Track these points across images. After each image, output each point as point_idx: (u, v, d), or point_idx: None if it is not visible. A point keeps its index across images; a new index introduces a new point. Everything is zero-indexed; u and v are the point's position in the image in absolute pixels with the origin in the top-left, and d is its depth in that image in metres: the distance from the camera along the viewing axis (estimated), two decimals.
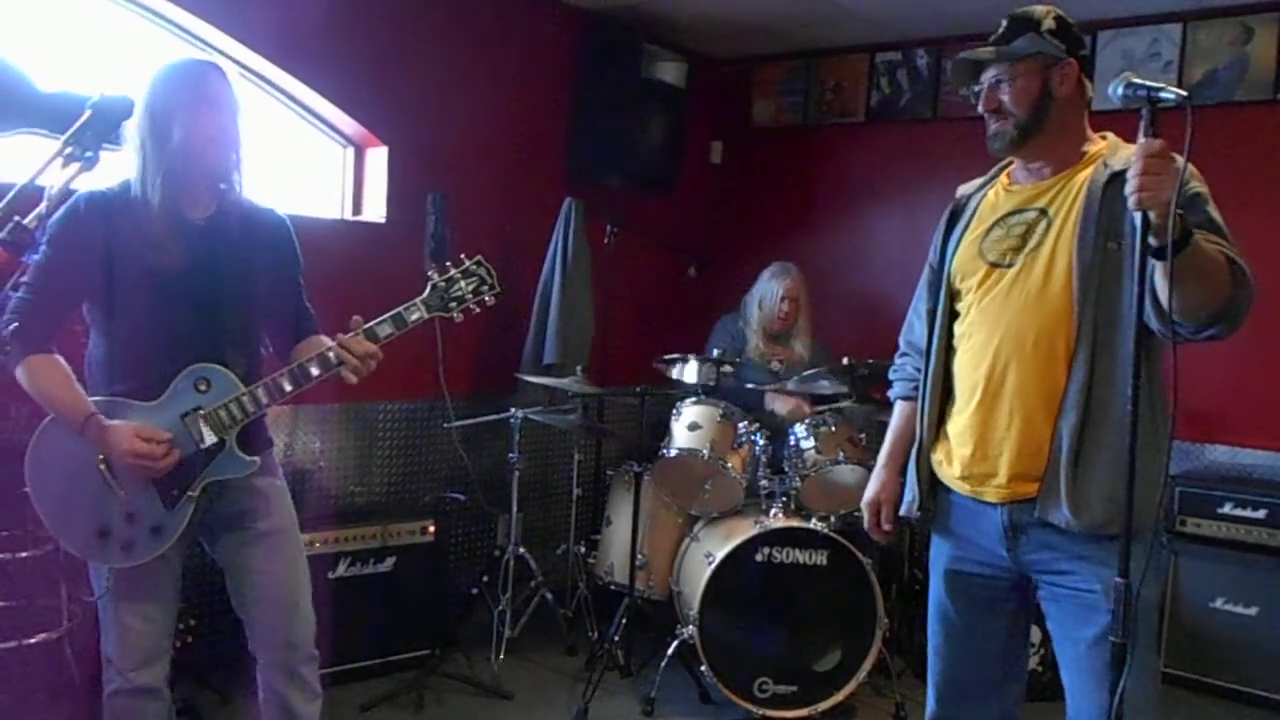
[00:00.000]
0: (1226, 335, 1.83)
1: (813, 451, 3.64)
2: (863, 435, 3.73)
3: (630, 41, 4.64)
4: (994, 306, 2.03)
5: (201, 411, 2.19)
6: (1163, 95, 1.63)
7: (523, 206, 4.44)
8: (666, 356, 3.78)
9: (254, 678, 2.37)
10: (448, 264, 2.36)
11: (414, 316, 2.31)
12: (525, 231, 4.39)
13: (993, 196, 2.15)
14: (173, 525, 2.20)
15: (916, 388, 2.25)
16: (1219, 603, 3.76)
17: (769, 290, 4.16)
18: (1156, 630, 2.02)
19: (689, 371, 3.74)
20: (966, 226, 2.15)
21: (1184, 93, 1.63)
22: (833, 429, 3.66)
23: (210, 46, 3.56)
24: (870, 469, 3.58)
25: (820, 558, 3.43)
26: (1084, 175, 2.00)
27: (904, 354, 2.36)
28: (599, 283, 4.40)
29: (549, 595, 3.92)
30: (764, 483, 3.67)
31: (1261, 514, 3.76)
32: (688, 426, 3.67)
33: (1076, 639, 1.96)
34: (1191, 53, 4.18)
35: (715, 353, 3.74)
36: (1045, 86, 2.00)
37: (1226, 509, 3.80)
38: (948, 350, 2.13)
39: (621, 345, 4.57)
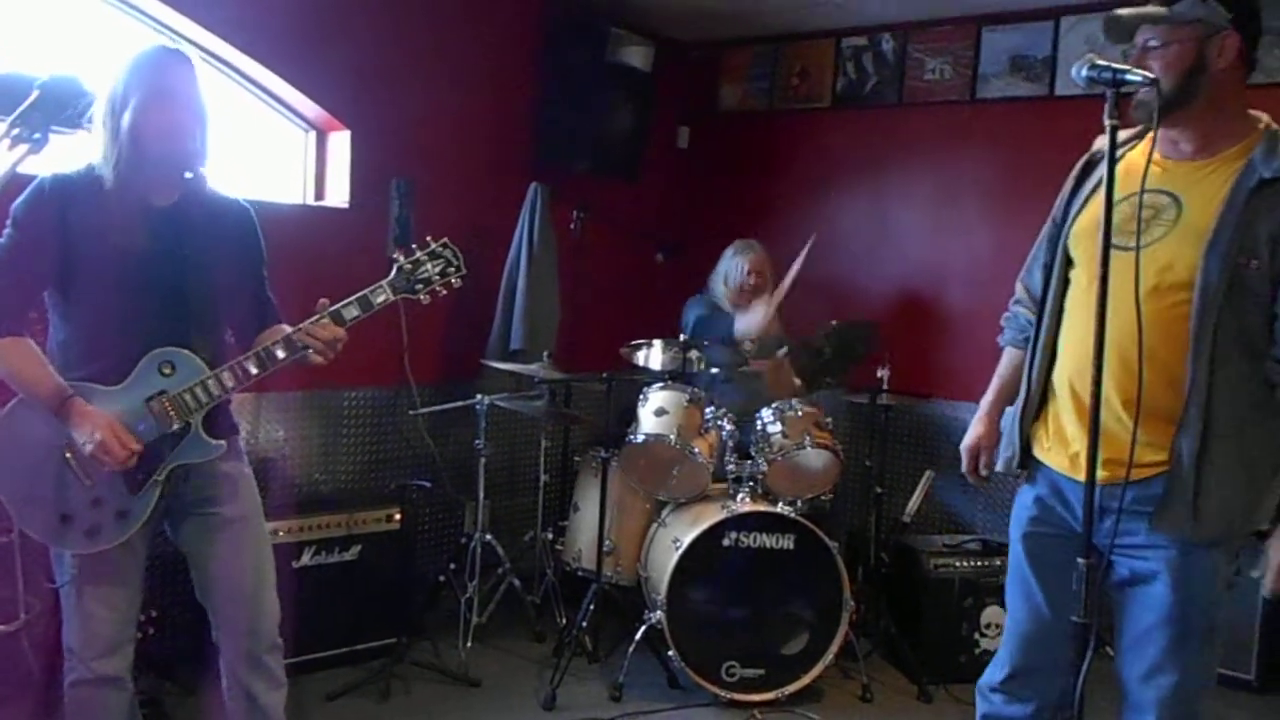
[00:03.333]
0: None
1: (779, 436, 3.65)
2: (830, 420, 3.74)
3: (597, 25, 4.60)
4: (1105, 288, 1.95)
5: (166, 395, 2.16)
6: (1127, 79, 1.64)
7: (488, 192, 4.40)
8: (632, 342, 3.77)
9: (219, 669, 2.35)
10: (413, 246, 2.35)
11: (380, 299, 2.29)
12: (491, 217, 4.36)
13: (1131, 161, 2.00)
14: (138, 510, 2.18)
15: (1027, 339, 2.20)
16: None
17: (733, 265, 4.19)
18: (1211, 628, 1.98)
19: (654, 356, 3.73)
20: (1094, 189, 2.04)
21: (1150, 75, 1.64)
22: (799, 414, 3.67)
23: (170, 30, 3.49)
24: (836, 454, 3.66)
25: (787, 541, 3.45)
26: (1232, 169, 1.87)
27: (1018, 300, 2.31)
28: (565, 268, 4.38)
29: (516, 582, 3.91)
30: (731, 467, 3.68)
31: None
32: (654, 412, 3.66)
33: (1137, 620, 1.97)
34: None
35: (683, 336, 3.72)
36: (1201, 57, 1.86)
37: None
38: (1058, 315, 2.08)
39: (589, 331, 4.55)
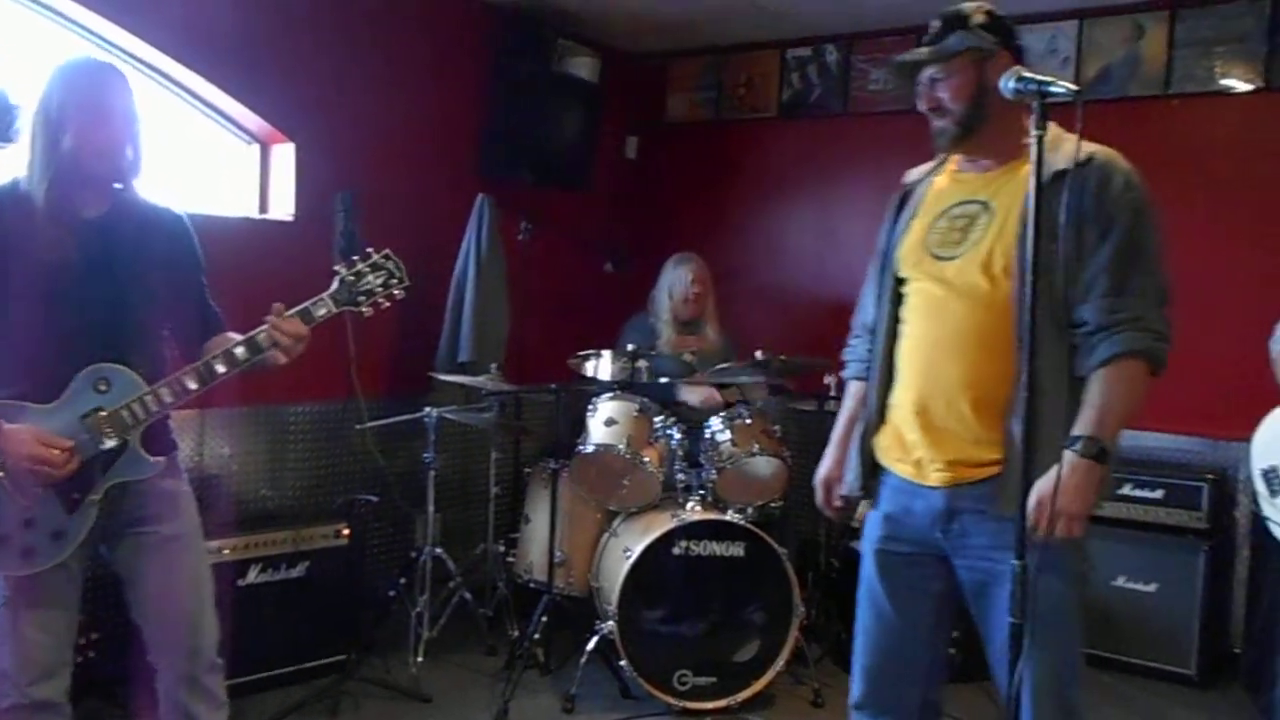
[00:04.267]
0: None
1: (728, 444, 3.67)
2: (778, 427, 3.77)
3: (543, 36, 4.62)
4: (936, 299, 2.07)
5: (102, 412, 2.12)
6: (1052, 90, 1.68)
7: (435, 203, 4.38)
8: (581, 353, 3.77)
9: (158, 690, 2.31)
10: (354, 258, 2.33)
11: (321, 312, 2.27)
12: (438, 229, 4.34)
13: (939, 183, 2.19)
14: (74, 530, 2.13)
15: (868, 368, 2.27)
16: (1121, 581, 3.90)
17: (676, 277, 4.20)
18: (1078, 604, 2.07)
19: (604, 367, 3.74)
20: (914, 214, 2.18)
21: (1073, 87, 1.68)
22: (748, 421, 3.70)
23: (108, 43, 3.44)
24: (785, 461, 3.68)
25: (737, 549, 3.46)
26: (1027, 169, 1.94)
27: (857, 335, 2.38)
28: (514, 280, 4.37)
29: (468, 595, 3.88)
30: (680, 476, 3.69)
31: (1159, 494, 3.91)
32: (604, 422, 3.67)
33: (999, 625, 1.95)
34: (1087, 49, 4.32)
35: (629, 346, 3.73)
36: (981, 80, 2.02)
37: (1126, 490, 3.94)
38: (893, 336, 2.17)
39: (538, 342, 4.54)
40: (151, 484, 2.22)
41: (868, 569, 2.22)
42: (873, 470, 2.20)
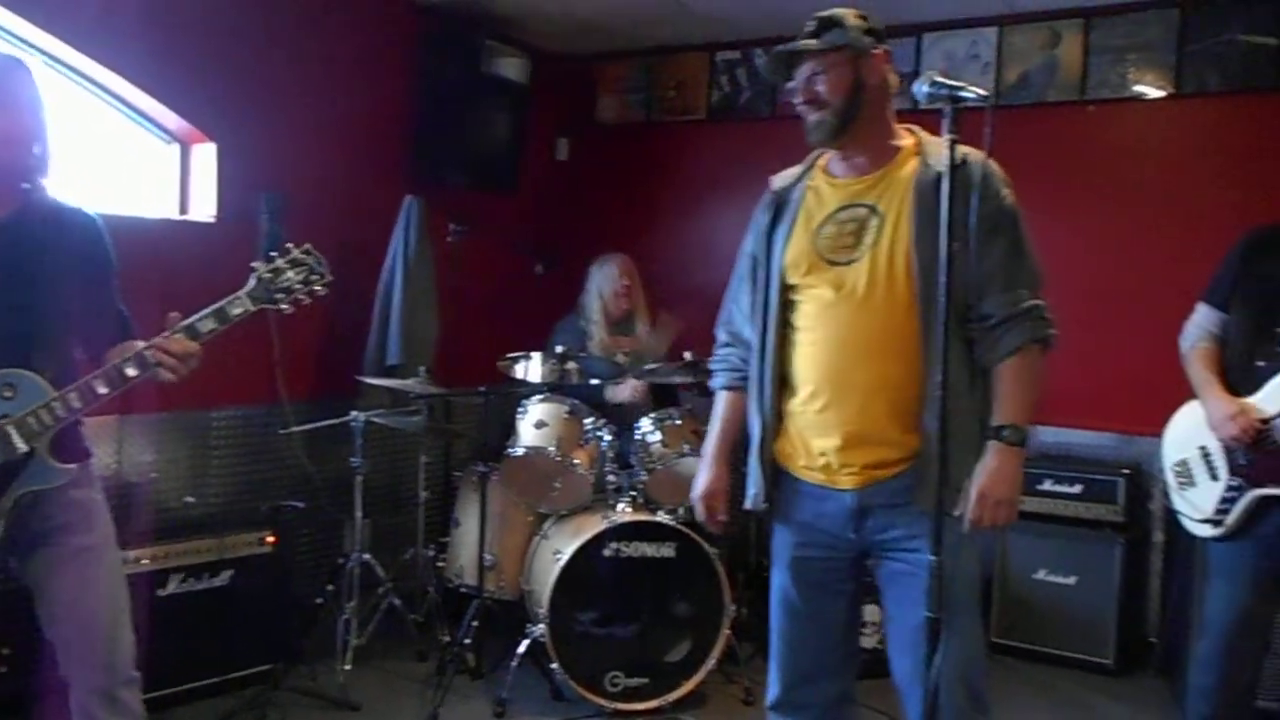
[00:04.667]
0: None
1: (659, 445, 3.68)
2: (707, 427, 3.78)
3: (471, 38, 4.58)
4: (836, 303, 2.08)
5: (8, 419, 2.05)
6: (963, 95, 1.72)
7: (362, 205, 4.32)
8: (510, 355, 3.75)
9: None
10: (272, 254, 2.28)
11: (237, 310, 2.22)
12: (366, 230, 4.28)
13: (815, 189, 2.20)
14: None
15: (743, 378, 2.29)
16: (1041, 574, 4.00)
17: (604, 275, 4.20)
18: (981, 599, 2.14)
19: (533, 369, 3.72)
20: (794, 220, 2.18)
21: (983, 92, 1.72)
22: (678, 422, 3.71)
23: (19, 39, 3.33)
24: None
25: (668, 550, 3.48)
26: (907, 171, 2.08)
27: (727, 344, 2.38)
28: (443, 282, 4.33)
29: (397, 601, 3.83)
30: (611, 478, 3.69)
31: (1078, 489, 4.02)
32: (534, 425, 3.66)
33: (914, 616, 1.99)
34: (1007, 55, 4.42)
35: (559, 348, 3.73)
36: (857, 76, 2.08)
37: (1047, 485, 4.04)
38: (783, 343, 2.16)
39: (468, 345, 4.51)
40: (62, 493, 2.16)
41: (781, 576, 2.24)
42: (774, 480, 2.21)
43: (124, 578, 2.28)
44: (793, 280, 2.16)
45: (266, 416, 4.00)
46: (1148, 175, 4.21)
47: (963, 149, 1.99)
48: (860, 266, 2.06)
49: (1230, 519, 2.81)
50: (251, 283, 2.24)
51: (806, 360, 2.13)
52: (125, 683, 2.23)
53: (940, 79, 1.78)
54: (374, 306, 4.21)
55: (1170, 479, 3.05)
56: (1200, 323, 2.99)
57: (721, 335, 2.41)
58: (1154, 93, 4.17)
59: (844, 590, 2.20)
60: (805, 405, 2.12)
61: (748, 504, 2.27)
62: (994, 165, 2.07)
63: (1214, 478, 2.88)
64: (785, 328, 2.17)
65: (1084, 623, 3.92)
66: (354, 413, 3.67)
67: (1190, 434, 2.97)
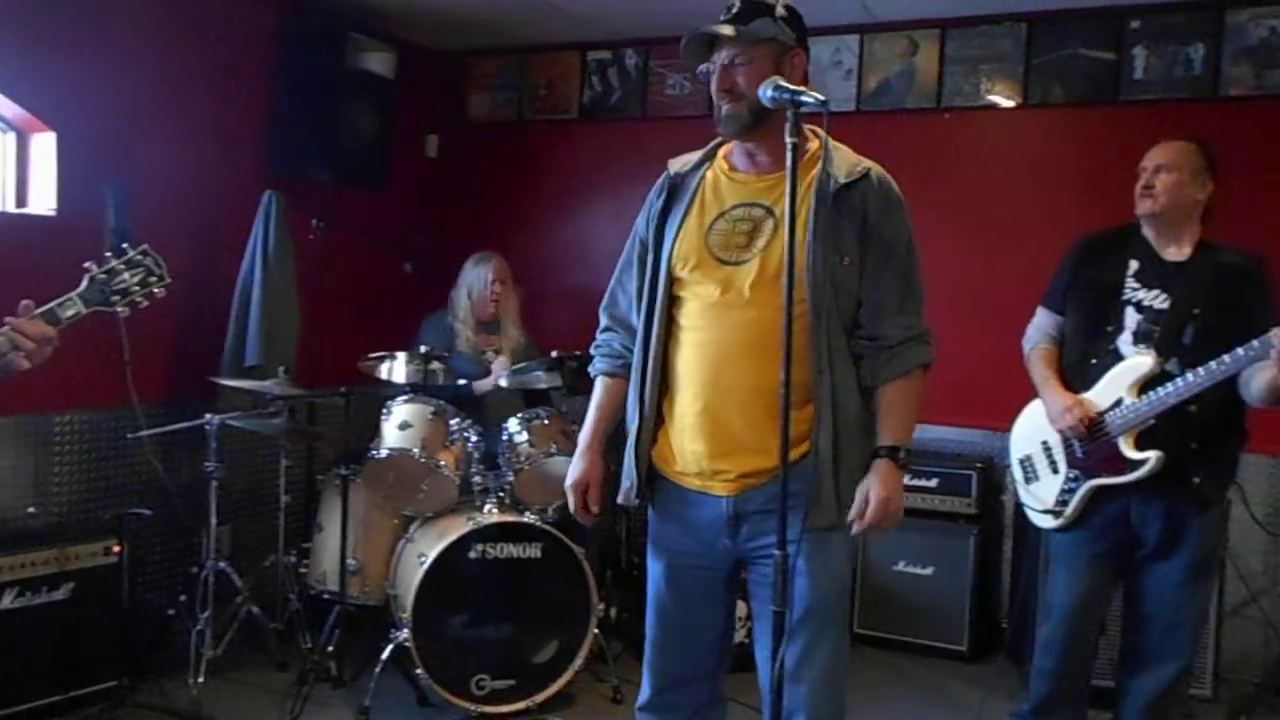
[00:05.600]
0: None
1: (526, 445, 3.66)
2: (575, 427, 3.76)
3: (334, 30, 4.46)
4: (722, 304, 2.02)
5: None
6: (803, 100, 1.75)
7: (220, 200, 4.17)
8: (372, 355, 3.67)
9: None
10: (107, 254, 2.19)
11: (69, 313, 2.11)
12: (224, 226, 4.14)
13: (713, 180, 2.13)
14: None
15: (624, 365, 2.21)
16: (900, 565, 4.13)
17: (476, 276, 4.15)
18: (848, 610, 2.15)
19: (398, 369, 3.66)
20: (687, 210, 2.12)
21: (821, 98, 1.75)
22: (545, 422, 3.70)
23: None
24: None
25: (534, 550, 3.46)
26: (808, 177, 2.00)
27: (608, 329, 2.31)
28: (306, 280, 4.20)
29: (255, 610, 3.71)
30: (477, 479, 3.65)
31: (934, 483, 4.17)
32: (398, 426, 3.59)
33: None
34: (868, 62, 4.56)
35: (422, 348, 3.67)
36: (777, 72, 1.96)
37: (905, 480, 4.14)
38: (666, 338, 2.10)
39: (334, 345, 4.39)
40: None
41: (655, 578, 2.19)
42: (650, 481, 2.16)
43: None
44: (680, 274, 2.09)
45: (116, 420, 3.82)
46: (999, 182, 4.40)
47: (865, 161, 2.05)
48: (749, 268, 1.99)
49: (1069, 510, 2.96)
50: (84, 284, 2.14)
51: (688, 361, 2.07)
52: None
53: (783, 84, 1.81)
54: (232, 305, 4.06)
55: (1016, 473, 3.19)
56: (1040, 325, 3.14)
57: (604, 319, 2.32)
58: (1004, 102, 4.36)
59: (720, 599, 2.17)
60: (687, 408, 2.07)
61: (620, 499, 2.21)
62: (893, 184, 2.07)
63: (1054, 471, 3.02)
64: (670, 324, 2.11)
65: (940, 611, 4.07)
66: (207, 415, 3.53)
67: (1033, 431, 3.12)
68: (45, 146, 3.70)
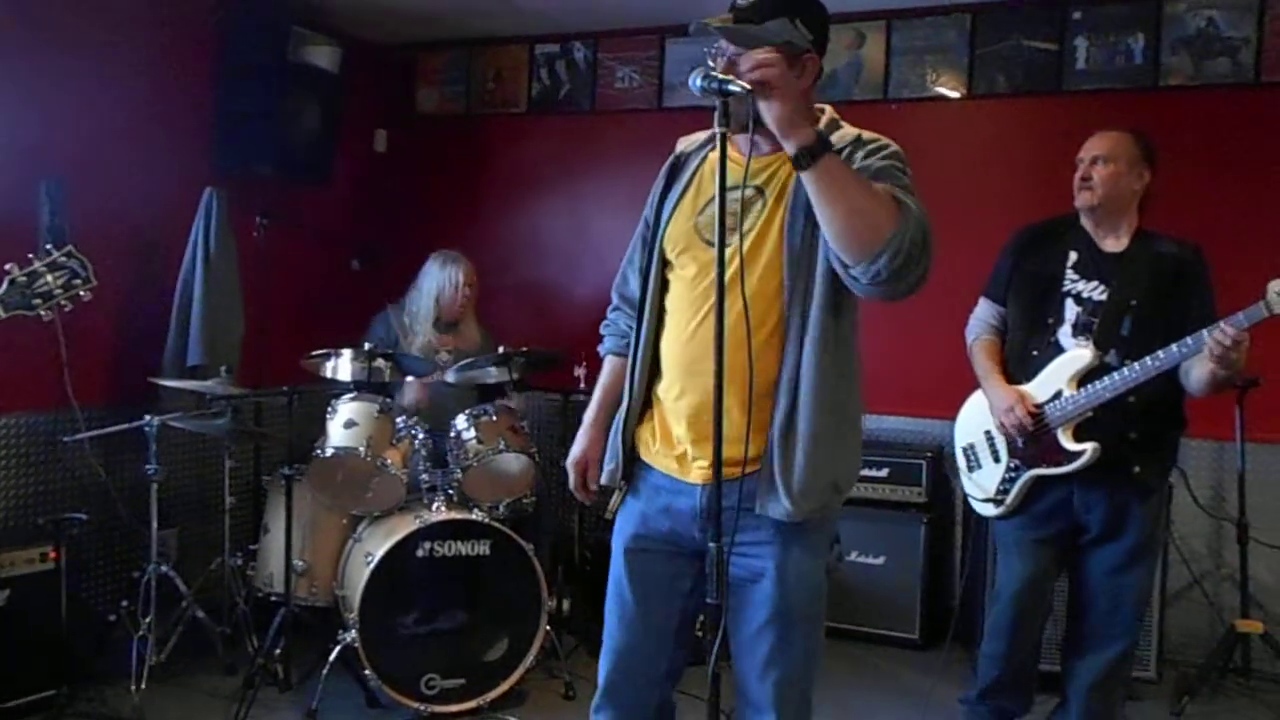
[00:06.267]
0: (896, 286, 1.81)
1: (474, 442, 3.62)
2: (524, 423, 3.77)
3: (277, 23, 4.39)
4: (707, 286, 1.95)
5: None
6: (730, 88, 1.74)
7: (160, 197, 4.08)
8: (315, 353, 3.62)
9: None
10: (31, 256, 2.14)
11: None
12: (165, 224, 4.05)
13: (714, 162, 1.97)
14: None
15: (628, 344, 2.16)
16: (852, 555, 4.15)
17: (446, 278, 4.07)
18: (817, 615, 2.06)
19: (343, 367, 3.61)
20: (684, 191, 2.07)
21: (748, 86, 1.74)
22: (494, 418, 3.66)
23: None
24: (532, 456, 3.68)
25: (483, 547, 3.43)
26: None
27: (616, 308, 2.27)
28: (250, 278, 4.14)
29: (200, 614, 3.65)
30: (424, 477, 3.62)
31: (885, 472, 4.19)
32: (344, 424, 3.53)
33: (752, 620, 1.99)
34: None
35: (367, 345, 3.62)
36: (802, 75, 1.90)
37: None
38: (658, 320, 2.06)
39: (280, 343, 4.33)
40: None
41: (617, 569, 2.12)
42: (631, 459, 2.11)
43: None
44: (670, 255, 2.05)
45: (53, 423, 3.74)
46: (946, 173, 4.40)
47: (867, 133, 1.97)
48: (732, 251, 1.90)
49: (1010, 498, 2.99)
50: (3, 286, 2.09)
51: (670, 343, 2.04)
52: None
53: (713, 73, 1.79)
54: (174, 304, 3.99)
55: (960, 461, 3.21)
56: (982, 316, 3.17)
57: (614, 298, 2.28)
58: (949, 93, 4.38)
59: (679, 590, 2.08)
60: (671, 391, 2.02)
61: (604, 479, 2.15)
62: (888, 142, 1.97)
63: (996, 460, 3.05)
64: (661, 304, 2.06)
65: (892, 600, 4.10)
66: (147, 416, 3.46)
67: (976, 420, 3.14)
68: None
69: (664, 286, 2.07)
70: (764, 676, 2.00)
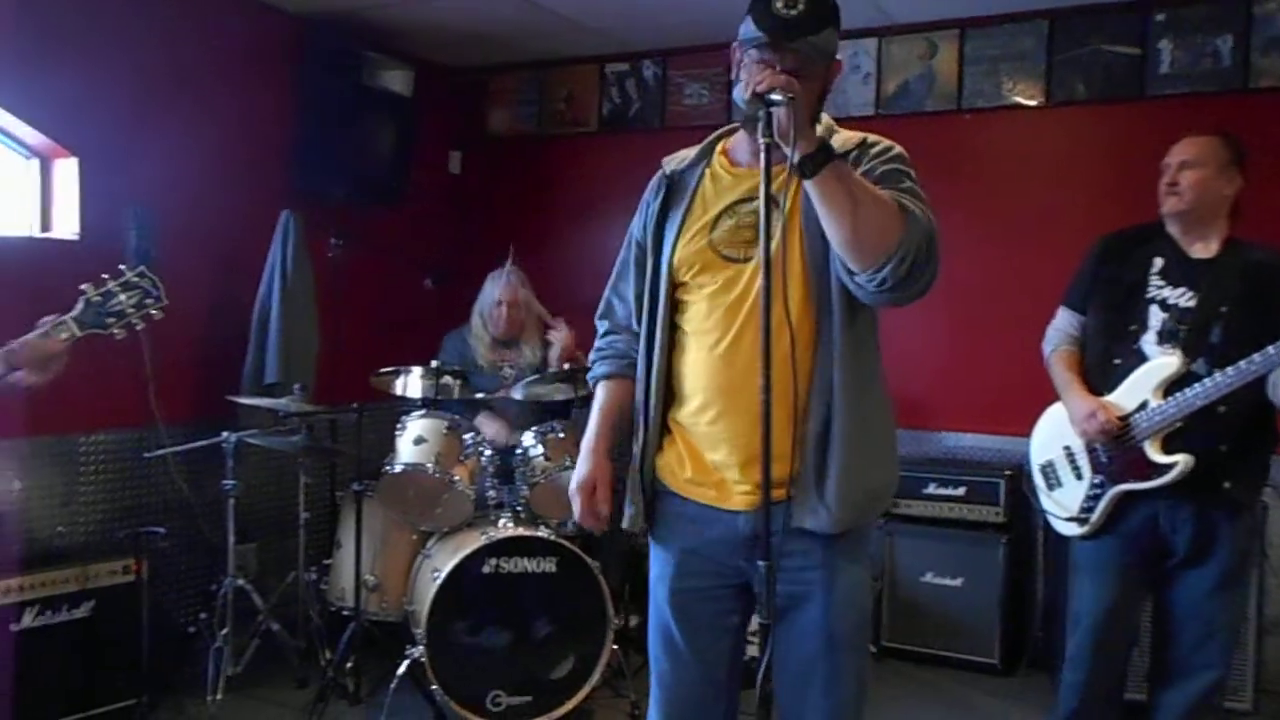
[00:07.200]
0: (903, 292, 1.77)
1: (541, 459, 3.63)
2: None
3: (352, 50, 4.51)
4: (735, 303, 1.91)
5: None
6: (773, 99, 1.71)
7: (240, 221, 4.22)
8: (384, 370, 3.67)
9: None
10: (104, 276, 2.21)
11: (63, 335, 2.14)
12: (245, 246, 4.18)
13: (715, 176, 2.02)
14: None
15: (630, 364, 2.08)
16: (929, 576, 4.04)
17: (488, 296, 4.11)
18: (868, 638, 2.01)
19: (412, 384, 3.66)
20: (687, 210, 2.00)
21: (791, 96, 1.70)
22: (561, 435, 3.67)
23: None
24: None
25: (549, 564, 3.42)
26: None
27: (610, 332, 2.19)
28: (325, 298, 4.24)
29: (275, 627, 3.72)
30: (491, 493, 3.64)
31: (962, 491, 4.07)
32: (413, 440, 3.58)
33: (800, 649, 1.93)
34: (886, 65, 4.49)
35: (434, 363, 3.66)
36: (825, 85, 1.89)
37: (931, 489, 4.08)
38: (670, 346, 1.99)
39: (354, 361, 4.40)
40: None
41: (661, 612, 2.04)
42: (654, 499, 2.02)
43: None
44: (684, 278, 1.97)
45: (139, 440, 3.87)
46: (1021, 183, 4.31)
47: (871, 136, 1.94)
48: (756, 263, 1.84)
49: (1095, 516, 2.87)
50: (79, 306, 2.17)
51: (696, 367, 1.95)
52: None
53: (758, 87, 1.76)
54: (252, 323, 4.11)
55: (1038, 480, 3.10)
56: (1060, 326, 3.05)
57: (600, 326, 2.22)
58: (1026, 102, 4.27)
59: (729, 625, 2.02)
60: (695, 417, 1.94)
61: (625, 524, 2.07)
62: (892, 145, 1.93)
63: (1078, 477, 2.94)
64: (673, 330, 1.98)
65: (970, 623, 3.97)
66: (225, 433, 3.56)
67: (1055, 435, 3.03)
68: (68, 172, 3.77)
69: (674, 310, 2.00)
70: (817, 708, 1.94)
